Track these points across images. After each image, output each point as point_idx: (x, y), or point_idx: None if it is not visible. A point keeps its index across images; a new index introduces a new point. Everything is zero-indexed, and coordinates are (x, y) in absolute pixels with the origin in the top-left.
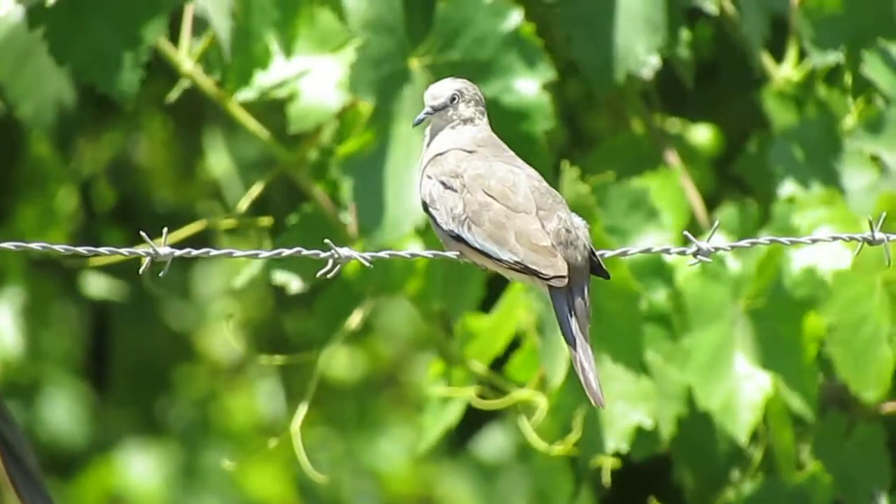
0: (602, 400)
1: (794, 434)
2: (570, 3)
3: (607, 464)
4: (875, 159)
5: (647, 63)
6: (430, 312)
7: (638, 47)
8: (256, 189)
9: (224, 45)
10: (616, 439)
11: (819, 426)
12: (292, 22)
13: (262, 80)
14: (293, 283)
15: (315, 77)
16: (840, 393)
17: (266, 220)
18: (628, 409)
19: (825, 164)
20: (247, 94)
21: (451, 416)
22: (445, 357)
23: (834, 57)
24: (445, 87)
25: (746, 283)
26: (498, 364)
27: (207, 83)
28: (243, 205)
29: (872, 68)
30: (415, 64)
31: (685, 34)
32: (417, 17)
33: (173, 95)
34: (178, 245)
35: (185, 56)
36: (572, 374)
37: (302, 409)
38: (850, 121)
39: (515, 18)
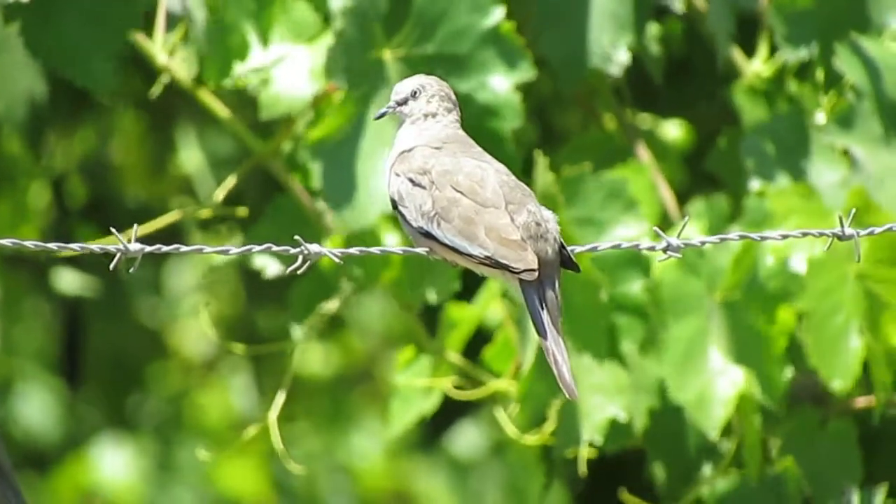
0: (575, 392)
1: (762, 428)
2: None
3: (583, 454)
4: (846, 153)
5: (614, 58)
6: (408, 302)
7: (606, 43)
8: (231, 180)
9: (199, 36)
10: (591, 431)
11: (791, 421)
12: (268, 11)
13: (239, 69)
14: (270, 268)
15: (288, 66)
16: (813, 388)
17: (241, 211)
18: (604, 401)
19: (796, 159)
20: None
21: (427, 405)
22: (421, 348)
23: (805, 52)
24: (408, 83)
25: (722, 275)
26: (475, 356)
27: (182, 75)
28: (220, 194)
29: (844, 61)
30: (388, 55)
31: (654, 30)
32: (398, 7)
33: (155, 91)
34: (150, 241)
35: (160, 49)
36: (545, 364)
37: (280, 398)
38: (821, 115)
39: (497, 15)
